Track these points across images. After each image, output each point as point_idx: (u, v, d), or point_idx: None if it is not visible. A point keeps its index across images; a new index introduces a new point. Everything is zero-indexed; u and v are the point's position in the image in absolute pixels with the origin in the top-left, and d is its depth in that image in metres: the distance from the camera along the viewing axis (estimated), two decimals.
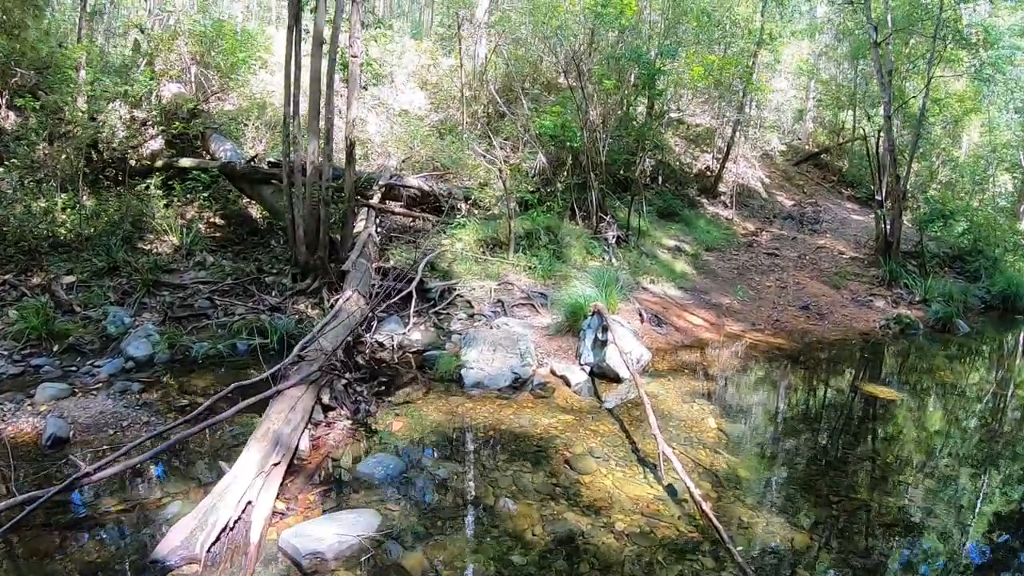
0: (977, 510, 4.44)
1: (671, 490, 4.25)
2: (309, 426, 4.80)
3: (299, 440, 4.52)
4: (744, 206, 14.52)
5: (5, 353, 5.82)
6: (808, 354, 7.95)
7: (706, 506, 3.90)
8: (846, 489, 4.51)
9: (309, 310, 7.40)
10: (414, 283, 7.60)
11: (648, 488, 4.30)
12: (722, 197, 14.34)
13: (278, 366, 5.15)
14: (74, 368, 5.77)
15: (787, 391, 6.93)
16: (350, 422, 5.11)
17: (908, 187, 12.59)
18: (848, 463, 4.96)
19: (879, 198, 11.70)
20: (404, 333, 7.02)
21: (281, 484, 4.10)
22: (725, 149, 14.62)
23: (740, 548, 3.60)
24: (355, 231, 8.60)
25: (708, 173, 15.10)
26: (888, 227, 11.35)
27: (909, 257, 11.49)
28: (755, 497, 4.29)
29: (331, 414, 5.15)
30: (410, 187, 10.31)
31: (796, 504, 4.26)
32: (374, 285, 7.39)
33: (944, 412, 6.51)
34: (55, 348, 6.03)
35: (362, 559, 3.57)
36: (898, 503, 4.37)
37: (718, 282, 10.15)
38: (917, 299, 9.99)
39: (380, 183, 10.03)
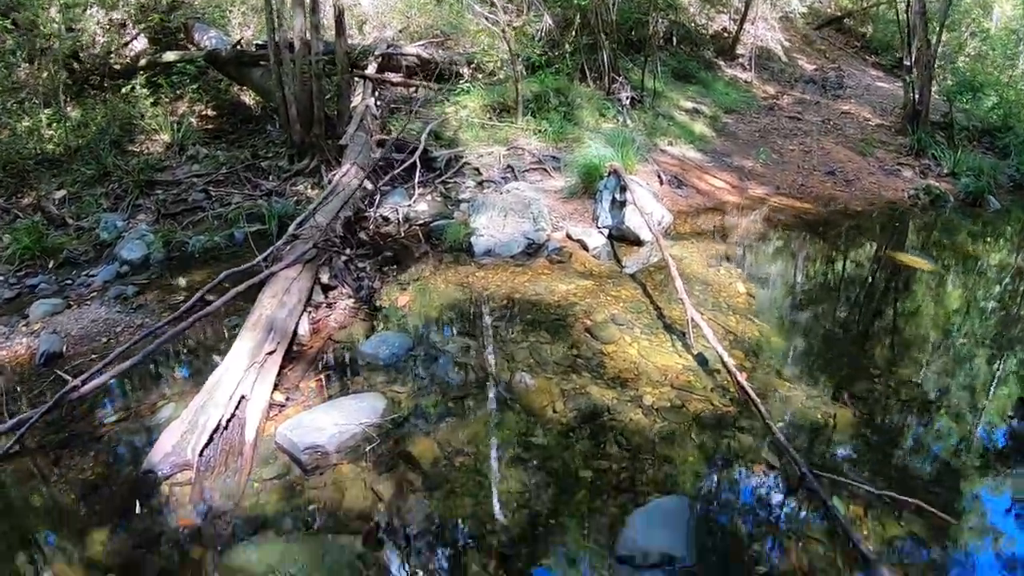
0: None
1: (701, 360, 3.83)
2: (308, 308, 4.39)
3: (296, 324, 4.11)
4: (763, 69, 13.35)
5: (0, 278, 5.44)
6: (835, 220, 7.31)
7: (741, 377, 3.48)
8: (887, 362, 4.06)
9: (308, 190, 6.86)
10: (418, 152, 6.97)
11: (676, 358, 3.88)
12: (740, 59, 13.14)
13: (271, 248, 4.69)
14: (69, 281, 5.38)
15: (816, 257, 6.38)
16: (352, 301, 4.69)
17: (937, 56, 11.37)
18: (889, 334, 4.49)
19: (908, 64, 10.62)
20: (409, 205, 6.49)
21: (279, 373, 3.73)
22: (743, 9, 13.26)
23: (779, 425, 3.18)
24: (352, 105, 7.89)
25: (725, 34, 13.80)
26: (916, 95, 10.36)
27: (937, 128, 10.56)
28: (791, 368, 3.83)
29: (332, 294, 4.72)
30: (408, 56, 9.43)
31: (835, 377, 3.82)
32: (375, 158, 6.79)
33: (985, 283, 5.94)
34: (50, 264, 5.65)
35: (366, 449, 3.23)
36: (940, 380, 3.95)
37: (739, 145, 9.36)
38: (945, 171, 9.23)
39: (376, 53, 9.17)
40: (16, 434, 3.29)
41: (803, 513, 2.76)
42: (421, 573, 2.65)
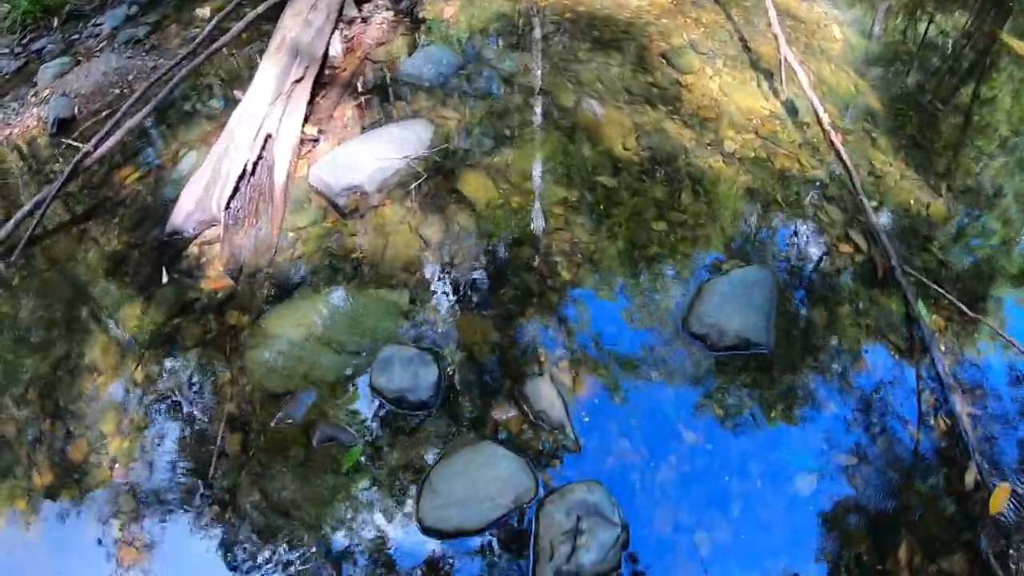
0: None
1: (791, 108, 3.43)
2: (339, 25, 3.69)
3: (327, 45, 3.46)
4: None
5: (5, 50, 4.50)
6: None
7: (836, 138, 3.13)
8: (994, 158, 3.46)
9: None
10: None
11: (763, 101, 3.46)
12: None
13: None
14: (76, 36, 4.48)
15: (932, 16, 5.49)
16: (391, 14, 3.95)
17: None
18: (1005, 123, 3.92)
19: None
20: None
21: (310, 103, 3.24)
22: None
23: (873, 204, 2.92)
24: None
25: None
26: None
27: None
28: (888, 138, 3.40)
29: (366, 7, 3.96)
30: None
31: (935, 162, 3.33)
32: None
33: None
34: (54, 23, 4.70)
35: (411, 187, 2.91)
36: None
37: None
38: None
39: None
40: (36, 216, 2.90)
41: (886, 311, 2.62)
42: (473, 330, 2.52)
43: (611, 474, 2.18)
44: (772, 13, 3.65)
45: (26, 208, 2.96)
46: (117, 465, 2.32)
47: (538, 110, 3.34)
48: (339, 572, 2.07)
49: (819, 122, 3.21)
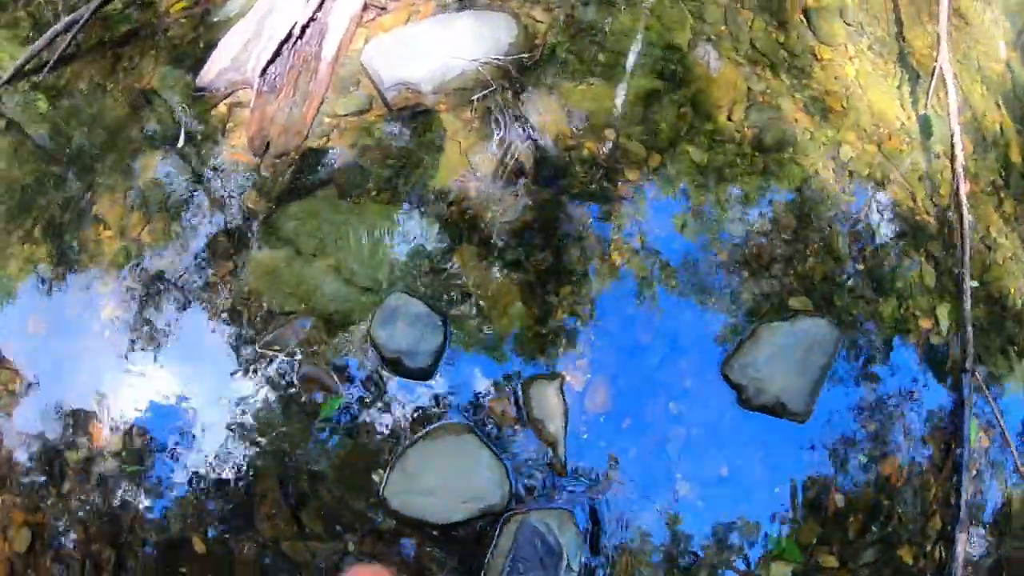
0: None
1: (926, 127, 2.71)
2: None
3: None
4: None
5: None
6: None
7: (964, 186, 2.57)
8: None
9: None
10: None
11: (897, 108, 2.77)
12: None
13: None
14: None
15: None
16: None
17: None
18: None
19: None
20: None
21: None
22: None
23: (974, 284, 2.43)
24: None
25: None
26: None
27: None
28: (1017, 205, 2.77)
29: None
30: None
31: None
32: None
33: None
34: None
35: (473, 98, 2.44)
36: None
37: None
38: None
39: None
40: (71, 33, 2.53)
41: (939, 411, 2.28)
42: (496, 298, 2.22)
43: (590, 508, 1.99)
44: (945, 5, 2.94)
45: (62, 23, 2.58)
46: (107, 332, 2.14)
47: (641, 40, 2.78)
48: (294, 522, 1.94)
49: (952, 159, 2.68)
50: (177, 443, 2.04)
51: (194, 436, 2.05)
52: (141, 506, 2.00)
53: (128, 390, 2.10)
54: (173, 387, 2.11)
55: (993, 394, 2.27)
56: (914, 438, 2.22)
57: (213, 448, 2.03)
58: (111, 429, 2.06)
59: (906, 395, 2.26)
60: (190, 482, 2.01)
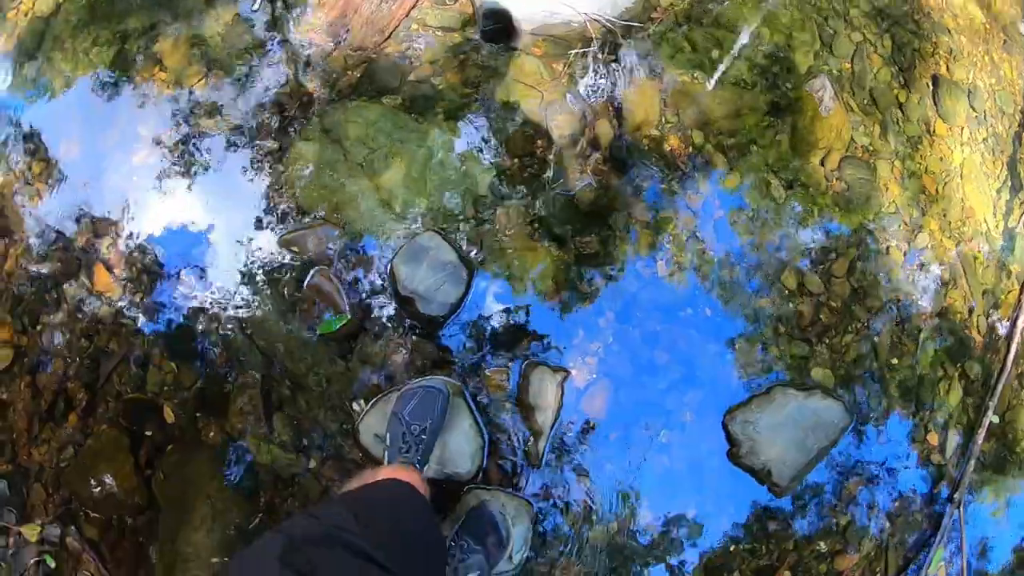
0: None
1: (1008, 240, 2.60)
2: None
3: None
4: None
5: None
6: None
7: (1019, 328, 2.44)
8: None
9: None
10: None
11: (989, 211, 2.63)
12: None
13: None
14: None
15: None
16: None
17: None
18: None
19: None
20: None
21: None
22: None
23: (994, 419, 2.34)
24: None
25: None
26: None
27: None
28: None
29: None
30: None
31: None
32: None
33: None
34: None
35: (569, 52, 2.23)
36: None
37: None
38: None
39: None
40: None
41: (916, 526, 2.23)
42: (530, 265, 2.11)
43: (549, 508, 1.94)
44: None
45: None
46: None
47: (765, 50, 2.56)
48: (266, 423, 1.88)
49: (1022, 287, 2.53)
50: (182, 271, 1.97)
51: (203, 271, 1.98)
52: (124, 357, 1.92)
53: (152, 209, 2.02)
54: (195, 215, 2.03)
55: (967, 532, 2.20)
56: (877, 546, 2.17)
57: (214, 295, 1.96)
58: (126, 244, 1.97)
59: (887, 503, 2.19)
60: (177, 348, 1.93)
